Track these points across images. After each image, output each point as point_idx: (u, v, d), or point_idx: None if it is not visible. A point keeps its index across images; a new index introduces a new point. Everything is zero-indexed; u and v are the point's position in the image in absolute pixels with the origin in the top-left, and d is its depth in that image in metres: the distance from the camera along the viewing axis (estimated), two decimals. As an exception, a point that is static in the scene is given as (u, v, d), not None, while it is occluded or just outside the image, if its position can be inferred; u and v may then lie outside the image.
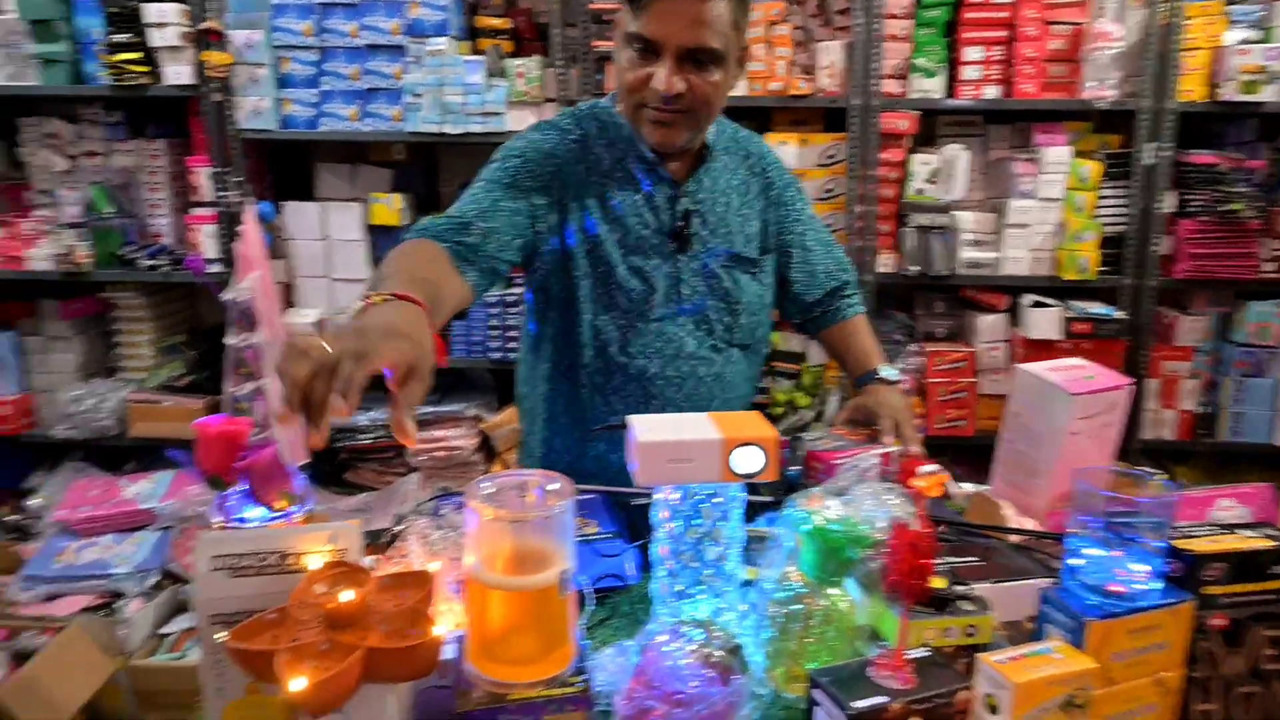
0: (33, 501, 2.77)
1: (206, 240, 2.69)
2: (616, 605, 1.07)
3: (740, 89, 2.53)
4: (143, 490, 2.67)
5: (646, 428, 0.89)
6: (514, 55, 2.60)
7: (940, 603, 0.85)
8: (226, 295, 2.66)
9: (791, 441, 1.26)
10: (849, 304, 1.51)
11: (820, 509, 0.90)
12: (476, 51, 2.61)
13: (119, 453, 2.94)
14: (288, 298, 2.80)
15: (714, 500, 0.89)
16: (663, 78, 1.18)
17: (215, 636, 0.68)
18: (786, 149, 2.55)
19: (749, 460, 0.86)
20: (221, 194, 2.65)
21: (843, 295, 1.50)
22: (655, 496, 0.91)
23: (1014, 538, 1.10)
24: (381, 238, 2.75)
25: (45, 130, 2.78)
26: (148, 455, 2.93)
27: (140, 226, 2.81)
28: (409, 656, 0.67)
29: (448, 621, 0.85)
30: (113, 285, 2.85)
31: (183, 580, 2.45)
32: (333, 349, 0.74)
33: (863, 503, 0.91)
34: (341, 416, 0.74)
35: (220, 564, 0.77)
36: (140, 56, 2.57)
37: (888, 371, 1.42)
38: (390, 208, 2.71)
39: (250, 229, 2.67)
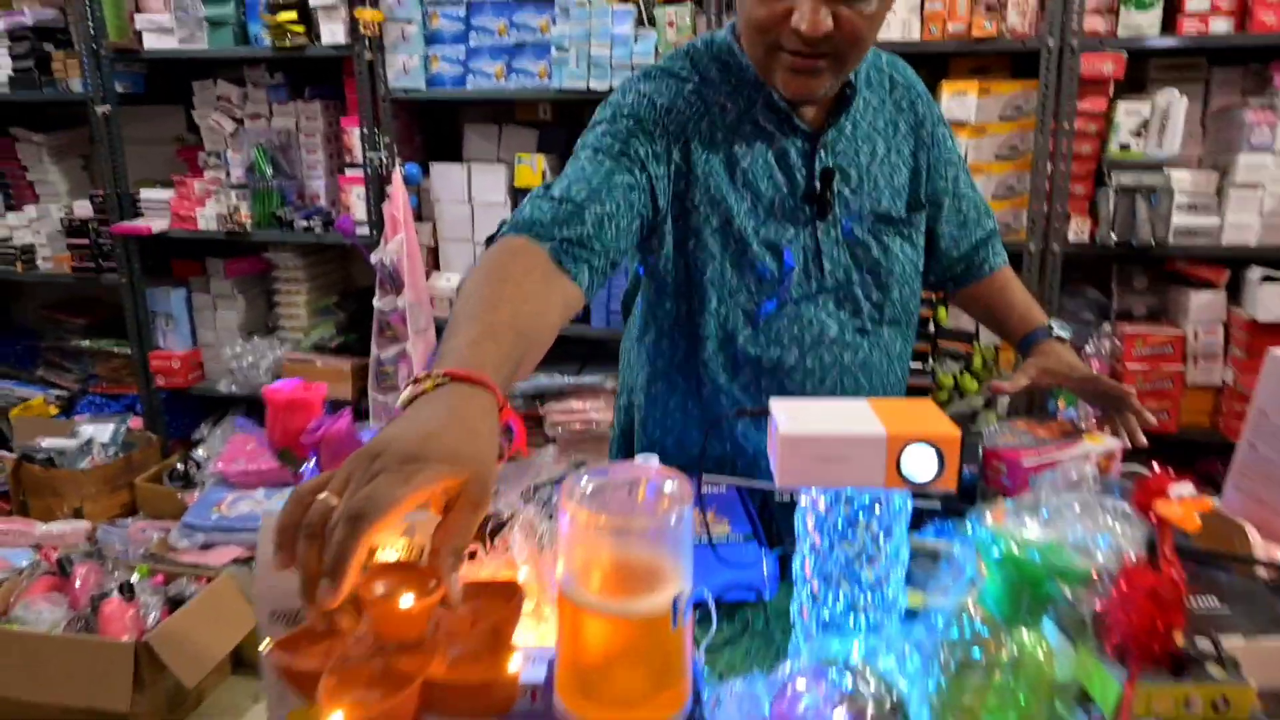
0: (198, 452, 2.91)
1: (356, 202, 2.70)
2: (747, 622, 0.91)
3: (913, 32, 2.25)
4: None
5: (792, 415, 0.72)
6: (665, 2, 2.44)
7: (1177, 663, 0.64)
8: (373, 257, 2.67)
9: (965, 437, 1.05)
10: (994, 254, 1.29)
11: (1013, 528, 0.70)
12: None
13: (276, 408, 3.04)
14: (433, 261, 2.78)
15: (874, 510, 0.71)
16: (806, 14, 0.95)
17: (261, 646, 0.58)
18: (964, 100, 2.26)
19: (921, 463, 0.68)
20: (371, 155, 2.65)
21: (988, 244, 1.28)
22: (800, 500, 0.74)
23: (1269, 572, 0.85)
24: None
25: (216, 93, 2.87)
26: (301, 412, 3.01)
27: (299, 188, 2.86)
28: (477, 695, 0.54)
29: (541, 636, 0.72)
30: (273, 246, 2.93)
31: (326, 537, 2.49)
32: (334, 497, 0.56)
33: (1071, 522, 0.70)
34: (327, 604, 0.53)
35: (286, 552, 0.66)
36: (297, 16, 2.59)
37: (1061, 328, 1.18)
38: (534, 169, 2.63)
39: (397, 191, 2.66)
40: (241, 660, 2.39)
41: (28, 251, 3.07)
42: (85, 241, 2.99)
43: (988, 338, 2.41)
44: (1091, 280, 2.44)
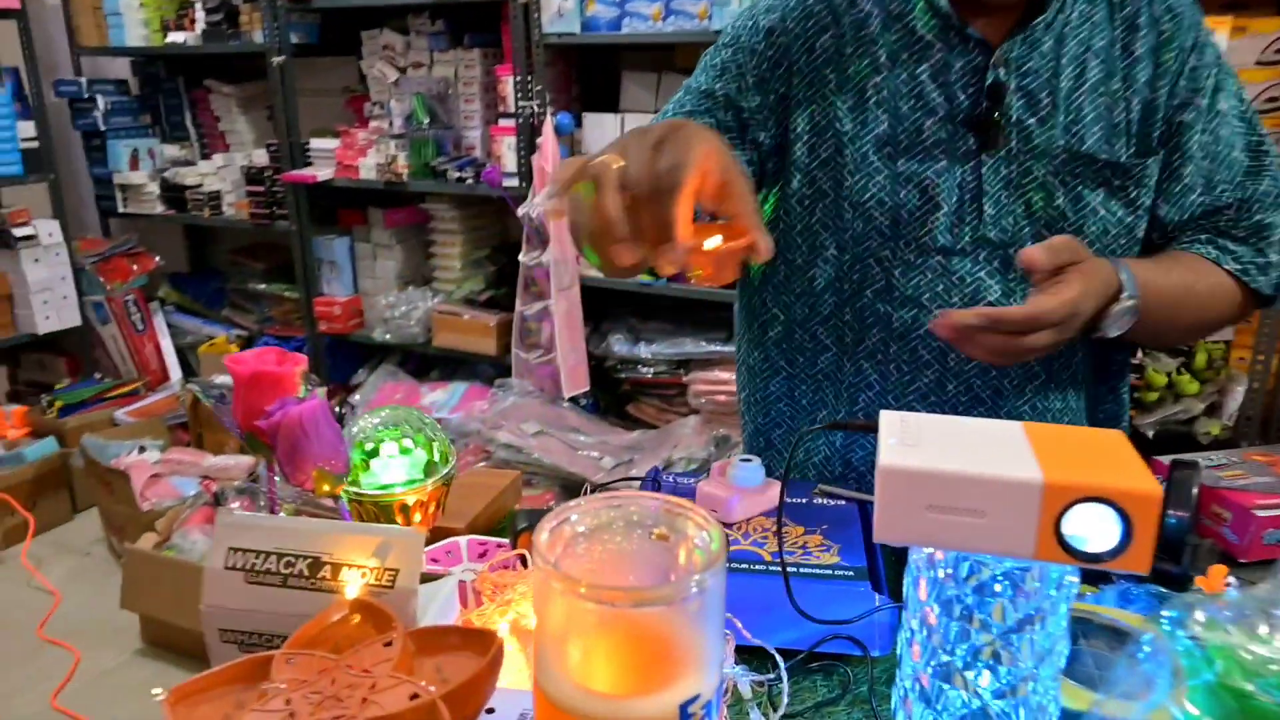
0: (355, 398, 2.97)
1: (507, 153, 2.62)
2: (848, 682, 0.71)
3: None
4: (438, 399, 2.73)
5: (904, 438, 0.51)
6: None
7: None
8: (521, 210, 2.59)
9: (1174, 467, 0.78)
10: (1227, 245, 0.92)
11: (1233, 638, 0.47)
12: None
13: (427, 360, 3.06)
14: (582, 216, 2.66)
15: (1022, 583, 0.49)
16: None
17: (154, 692, 0.45)
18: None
19: (1095, 529, 0.45)
20: (523, 104, 2.55)
21: (1230, 220, 0.92)
22: (913, 556, 0.54)
23: None
24: (679, 154, 2.49)
25: (382, 42, 2.87)
26: (450, 365, 3.01)
27: (455, 138, 2.82)
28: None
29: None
30: (430, 197, 2.92)
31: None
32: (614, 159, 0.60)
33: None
34: (671, 263, 0.59)
35: (236, 561, 0.54)
36: (456, -40, 2.51)
37: (1123, 266, 0.84)
38: (691, 120, 2.44)
39: (547, 141, 2.55)
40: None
41: (215, 198, 3.24)
42: (261, 189, 3.10)
43: (1222, 330, 1.99)
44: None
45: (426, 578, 0.57)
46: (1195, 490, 0.77)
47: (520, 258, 2.59)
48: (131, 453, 2.72)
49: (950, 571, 0.50)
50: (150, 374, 3.31)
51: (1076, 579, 0.50)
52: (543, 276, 2.58)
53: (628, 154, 0.60)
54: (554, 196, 0.63)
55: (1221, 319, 0.94)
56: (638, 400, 2.71)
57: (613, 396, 2.73)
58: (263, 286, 3.35)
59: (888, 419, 0.54)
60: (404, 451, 0.74)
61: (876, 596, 0.73)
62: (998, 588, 0.50)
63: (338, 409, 2.98)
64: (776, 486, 0.87)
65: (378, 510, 0.71)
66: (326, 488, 0.57)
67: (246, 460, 2.76)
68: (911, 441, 0.50)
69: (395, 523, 0.72)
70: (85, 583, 2.60)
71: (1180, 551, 0.74)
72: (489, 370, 2.90)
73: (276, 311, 3.33)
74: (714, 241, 0.61)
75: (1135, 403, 2.01)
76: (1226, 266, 0.91)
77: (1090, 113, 0.88)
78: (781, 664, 0.65)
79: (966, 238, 0.89)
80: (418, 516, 0.73)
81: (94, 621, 2.32)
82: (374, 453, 0.72)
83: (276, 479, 0.56)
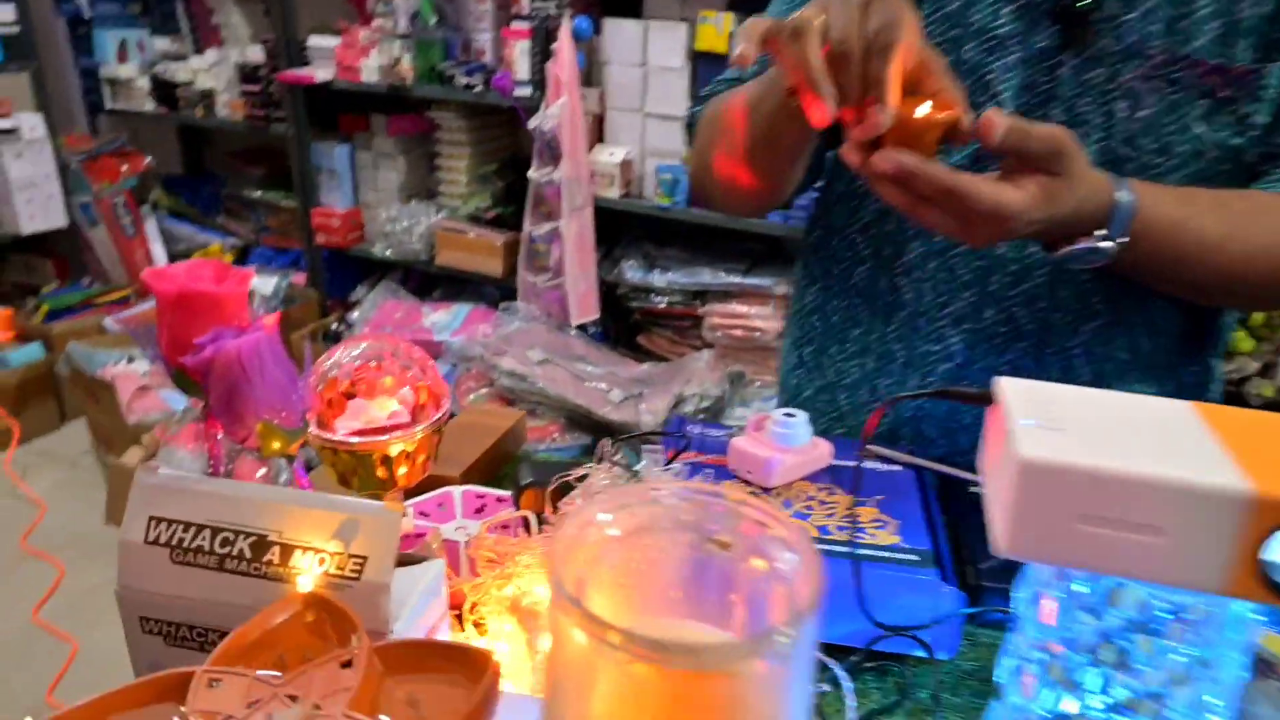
0: (353, 315, 2.85)
1: (519, 58, 2.43)
2: (906, 686, 0.60)
3: None
4: (440, 320, 2.61)
5: (1043, 417, 0.38)
6: None
7: None
8: (532, 123, 2.41)
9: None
10: None
11: None
12: None
13: (430, 279, 2.92)
14: (597, 132, 2.49)
15: (1183, 617, 0.37)
16: None
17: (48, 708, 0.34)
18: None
19: (1321, 561, 0.33)
20: (538, 5, 2.35)
21: None
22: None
23: None
24: (705, 67, 2.31)
25: (387, -68, 2.65)
26: (453, 285, 2.88)
27: (463, 40, 2.62)
28: None
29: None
30: (436, 105, 2.74)
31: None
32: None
33: None
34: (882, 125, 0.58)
35: (159, 534, 0.42)
36: None
37: (1125, 191, 0.66)
38: (720, 30, 2.24)
39: (563, 47, 2.35)
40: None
41: (208, 96, 3.05)
42: (256, 89, 2.92)
43: None
44: None
45: (404, 560, 0.45)
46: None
47: (530, 174, 2.43)
48: (119, 363, 2.61)
49: (1089, 594, 0.38)
50: (141, 281, 3.18)
51: (1264, 618, 0.38)
52: (553, 195, 2.42)
53: (830, 11, 0.58)
54: (745, 45, 0.59)
55: None
56: (649, 331, 2.58)
57: (623, 326, 2.60)
58: (258, 194, 3.19)
59: (1011, 389, 0.42)
60: (390, 390, 0.62)
61: (948, 589, 0.61)
62: (1157, 618, 0.38)
63: (335, 326, 2.85)
64: (824, 446, 0.75)
65: (355, 461, 0.59)
66: (276, 445, 0.44)
67: (239, 375, 2.66)
68: (1055, 423, 0.38)
69: (376, 477, 0.60)
70: (72, 495, 2.52)
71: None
72: (494, 292, 2.77)
73: (273, 221, 3.18)
74: (924, 109, 0.58)
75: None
76: None
77: (1203, 9, 0.72)
78: (841, 674, 0.53)
79: None
80: (403, 470, 0.61)
81: (80, 536, 2.24)
82: (351, 393, 0.59)
83: (219, 436, 0.44)
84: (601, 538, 0.30)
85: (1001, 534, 0.37)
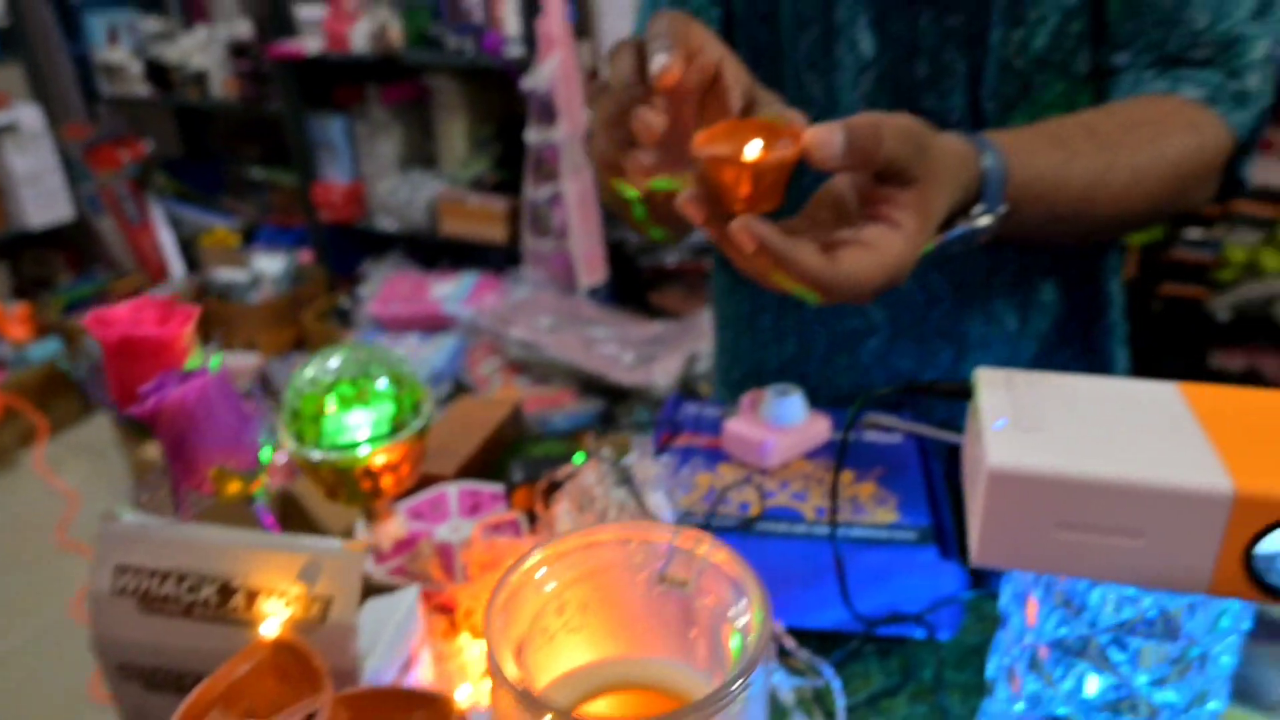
0: (361, 290, 2.84)
1: (509, 15, 2.37)
2: (909, 669, 0.59)
3: None
4: (447, 292, 2.59)
5: (1013, 413, 0.36)
6: None
7: None
8: (525, 82, 2.36)
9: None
10: (1175, 81, 0.65)
11: None
12: None
13: (435, 248, 2.90)
14: (593, 88, 2.43)
15: (1170, 621, 0.36)
16: None
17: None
18: None
19: (1315, 568, 0.31)
20: (525, -40, 2.29)
21: (1182, 63, 0.66)
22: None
23: None
24: (699, 13, 2.24)
25: (366, -106, 2.58)
26: (459, 254, 2.86)
27: (451, 1, 2.56)
28: None
29: None
30: (429, 70, 2.69)
31: (472, 392, 2.36)
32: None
33: None
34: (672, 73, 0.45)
35: (126, 583, 0.41)
36: None
37: (991, 154, 0.54)
38: (712, -27, 2.17)
39: (553, 2, 2.30)
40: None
41: (201, 77, 3.02)
42: (248, 66, 2.88)
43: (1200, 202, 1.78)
44: None
45: (379, 588, 0.44)
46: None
47: (526, 135, 2.39)
48: (136, 352, 2.63)
49: (1070, 600, 0.37)
50: (150, 268, 3.19)
51: (1250, 618, 0.36)
52: (552, 156, 2.39)
53: (614, 67, 0.49)
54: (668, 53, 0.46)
55: (1186, 186, 0.64)
56: (659, 289, 2.55)
57: (633, 285, 2.58)
58: (259, 172, 3.17)
59: (987, 379, 0.40)
60: (369, 401, 0.61)
61: (948, 567, 0.60)
62: (1143, 618, 0.36)
63: (344, 304, 2.85)
64: (822, 422, 0.74)
65: (337, 477, 0.59)
66: (233, 489, 0.43)
67: (253, 359, 2.67)
68: (1030, 423, 0.36)
69: (362, 490, 0.59)
70: (103, 484, 2.56)
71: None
72: (500, 258, 2.75)
73: (277, 198, 3.17)
74: (754, 149, 0.45)
75: (1210, 282, 1.83)
76: (1187, 95, 0.64)
77: None
78: (828, 672, 0.52)
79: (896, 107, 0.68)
80: (389, 480, 0.61)
81: (111, 525, 2.29)
82: (341, 404, 0.58)
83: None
84: (542, 595, 0.29)
85: (973, 542, 0.35)
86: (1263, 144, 0.85)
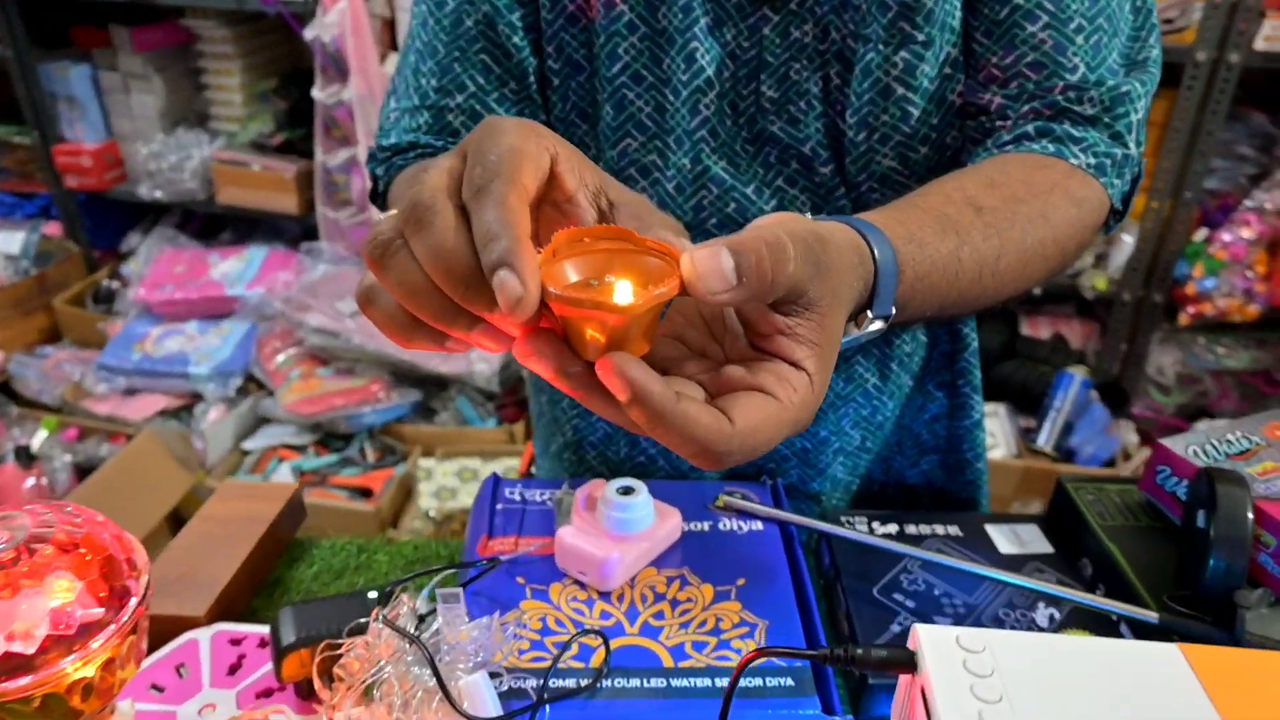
0: (127, 268, 2.46)
1: (283, -46, 2.05)
2: None
3: None
4: (232, 270, 2.28)
5: (966, 682, 0.25)
6: None
7: None
8: (308, 33, 2.06)
9: (1210, 478, 0.58)
10: (1058, 140, 0.59)
11: None
12: None
13: (213, 219, 2.55)
14: (389, 38, 2.16)
15: None
16: None
17: None
18: None
19: None
20: (297, -113, 1.97)
21: (1075, 91, 0.59)
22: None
23: None
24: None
25: None
26: (245, 225, 2.53)
27: (213, -68, 2.19)
28: None
29: None
30: (192, 11, 2.30)
31: (266, 388, 2.09)
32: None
33: None
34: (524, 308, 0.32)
35: None
36: None
37: (881, 248, 0.45)
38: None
39: (336, -61, 2.00)
40: (182, 522, 2.08)
41: (-108, 8, 2.45)
42: (-45, -2, 2.36)
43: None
44: (1259, 104, 1.83)
45: None
46: (1249, 516, 0.56)
47: (314, 93, 2.10)
48: None
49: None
50: None
51: None
52: (346, 117, 2.11)
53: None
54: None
55: (1067, 260, 0.59)
56: (475, 261, 2.36)
57: (445, 258, 2.36)
58: (-15, 128, 2.65)
59: (930, 644, 0.28)
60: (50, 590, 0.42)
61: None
62: None
63: (108, 283, 2.45)
64: (671, 520, 0.61)
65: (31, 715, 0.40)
66: None
67: (-7, 354, 2.25)
68: (990, 692, 0.24)
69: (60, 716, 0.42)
70: None
71: (1233, 613, 0.54)
72: (294, 228, 2.44)
73: (9, 161, 2.66)
74: (626, 295, 0.34)
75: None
76: (1074, 161, 0.58)
77: None
78: None
79: (741, 124, 0.63)
80: (91, 697, 0.43)
81: None
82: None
83: None
84: None
85: None
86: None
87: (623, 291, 0.34)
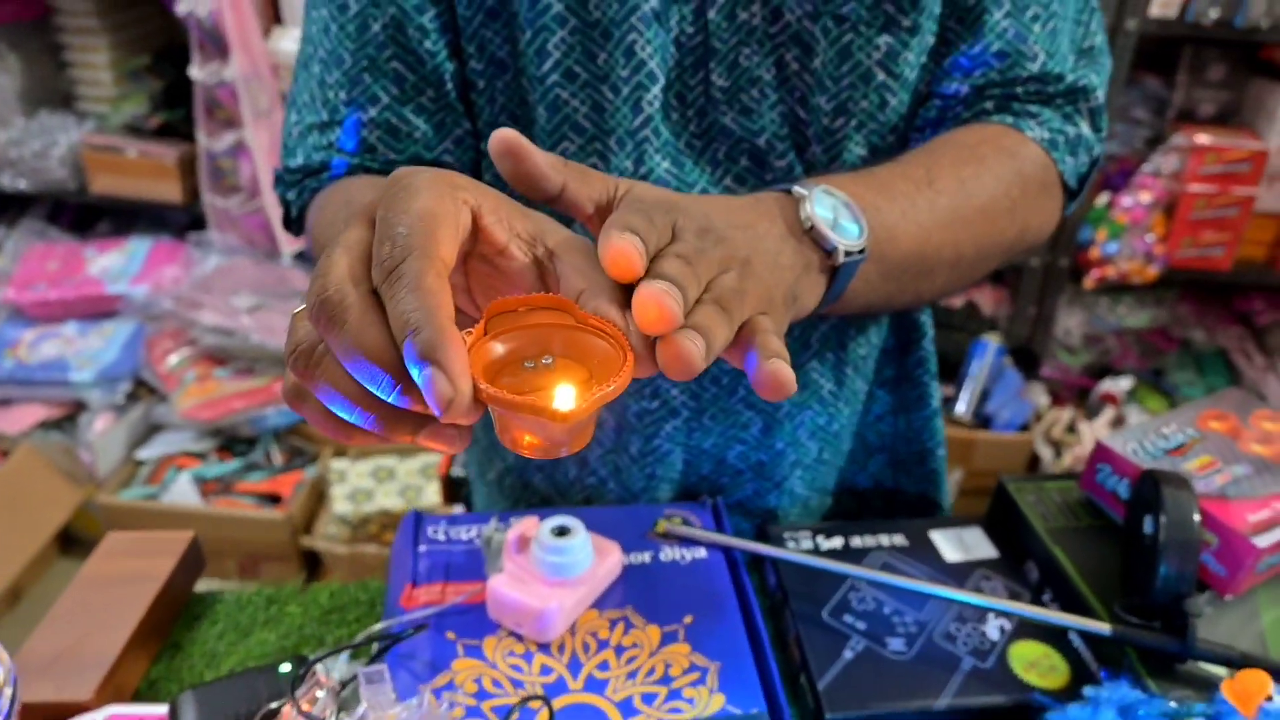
0: (-8, 265, 2.25)
1: (147, -81, 1.88)
2: None
3: None
4: (112, 266, 2.12)
5: None
6: None
7: None
8: (180, 7, 1.91)
9: (1157, 481, 0.57)
10: (1015, 115, 0.59)
11: None
12: None
13: (87, 210, 2.36)
14: (272, 11, 2.02)
15: None
16: None
17: None
18: None
19: None
20: None
21: (1035, 80, 0.59)
22: None
23: None
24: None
25: None
26: (121, 216, 2.35)
27: (64, -106, 1.99)
28: None
29: None
30: (47, -19, 2.10)
31: (159, 393, 1.96)
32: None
33: None
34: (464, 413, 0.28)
35: None
36: None
37: (821, 205, 0.45)
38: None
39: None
40: (73, 540, 1.94)
41: None
42: None
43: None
44: (1153, 69, 1.87)
45: None
46: (1196, 520, 0.56)
47: (192, 72, 1.95)
48: None
49: None
50: None
51: None
52: (229, 98, 1.97)
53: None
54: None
55: (1028, 226, 0.59)
56: (379, 245, 2.25)
57: (347, 244, 2.25)
58: None
59: None
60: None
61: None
62: None
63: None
64: (612, 556, 0.57)
65: None
66: None
67: None
68: None
69: None
70: None
71: (1184, 621, 0.54)
72: (179, 218, 2.28)
73: None
74: (567, 400, 0.30)
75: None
76: (1030, 134, 0.58)
77: None
78: None
79: (690, 117, 0.59)
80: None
81: None
82: None
83: None
84: None
85: None
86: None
87: (563, 396, 0.29)
